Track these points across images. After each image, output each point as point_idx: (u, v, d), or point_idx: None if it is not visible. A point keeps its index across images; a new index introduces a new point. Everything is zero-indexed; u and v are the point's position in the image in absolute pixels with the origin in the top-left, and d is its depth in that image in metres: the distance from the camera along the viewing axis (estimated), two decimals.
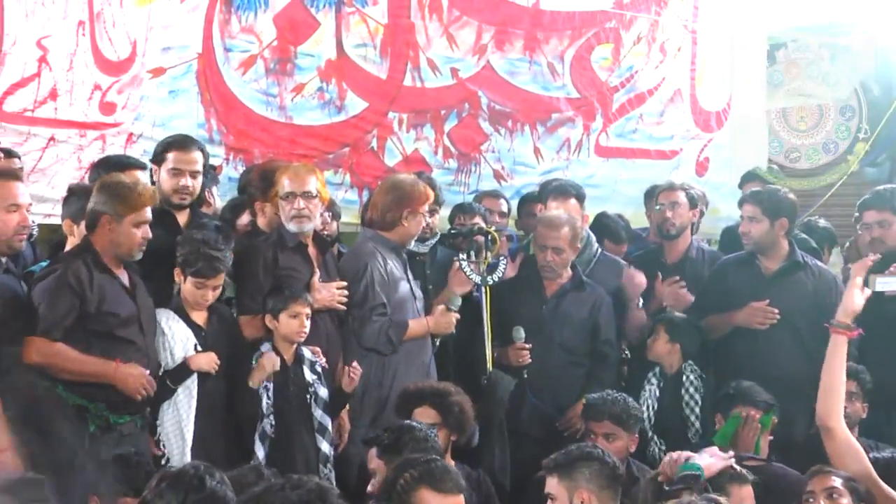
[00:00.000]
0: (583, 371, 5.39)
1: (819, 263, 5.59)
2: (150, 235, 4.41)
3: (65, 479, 4.10)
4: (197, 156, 4.90)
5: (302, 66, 6.12)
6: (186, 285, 4.53)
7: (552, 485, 3.69)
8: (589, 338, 5.46)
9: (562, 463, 3.72)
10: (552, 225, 5.41)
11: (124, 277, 4.43)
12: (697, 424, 5.15)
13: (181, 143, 4.96)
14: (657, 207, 6.04)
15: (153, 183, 4.88)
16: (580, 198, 5.81)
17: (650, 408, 5.32)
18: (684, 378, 5.27)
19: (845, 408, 4.90)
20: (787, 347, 5.29)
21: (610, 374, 5.43)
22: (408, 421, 4.23)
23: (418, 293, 5.23)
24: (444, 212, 5.85)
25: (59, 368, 4.23)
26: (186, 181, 4.84)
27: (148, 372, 4.33)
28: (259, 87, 5.99)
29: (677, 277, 5.73)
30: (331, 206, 5.43)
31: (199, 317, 4.59)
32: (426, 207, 5.19)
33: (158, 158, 4.90)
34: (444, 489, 3.33)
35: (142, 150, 5.39)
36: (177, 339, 4.51)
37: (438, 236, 5.65)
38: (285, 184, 4.86)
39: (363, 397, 4.99)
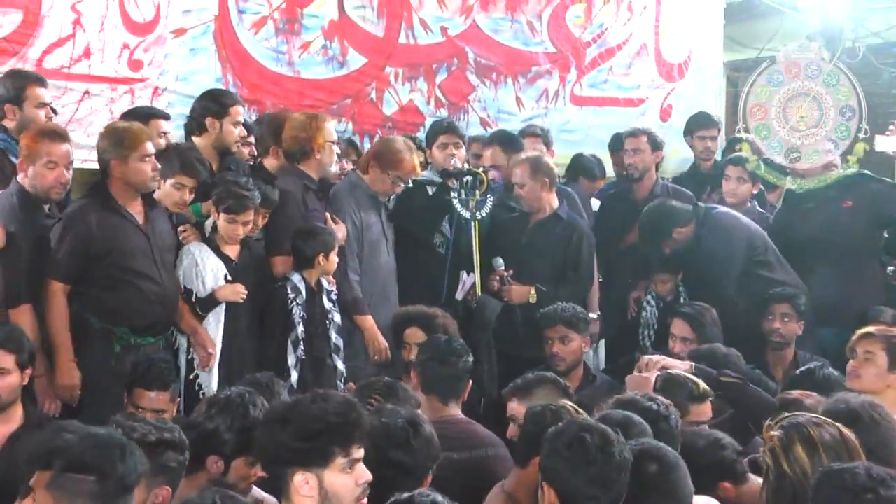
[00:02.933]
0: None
1: None
2: (159, 167, 4.58)
3: (93, 394, 4.43)
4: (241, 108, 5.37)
5: (308, 26, 6.33)
6: (220, 221, 4.79)
7: (513, 407, 3.93)
8: (561, 271, 5.65)
9: (520, 386, 3.97)
10: (513, 163, 5.79)
11: (138, 216, 4.59)
12: None
13: (236, 98, 5.32)
14: (625, 152, 6.47)
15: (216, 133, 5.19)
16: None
17: (651, 326, 5.75)
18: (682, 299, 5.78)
19: (778, 328, 5.29)
20: None
21: (567, 295, 5.40)
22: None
23: (389, 235, 5.45)
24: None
25: (46, 311, 4.39)
26: (243, 131, 5.28)
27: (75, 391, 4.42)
28: (270, 45, 6.20)
29: None
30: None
31: (232, 250, 4.85)
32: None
33: (221, 112, 5.18)
34: None
35: (167, 103, 5.68)
36: (208, 269, 4.77)
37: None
38: (332, 131, 5.21)
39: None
